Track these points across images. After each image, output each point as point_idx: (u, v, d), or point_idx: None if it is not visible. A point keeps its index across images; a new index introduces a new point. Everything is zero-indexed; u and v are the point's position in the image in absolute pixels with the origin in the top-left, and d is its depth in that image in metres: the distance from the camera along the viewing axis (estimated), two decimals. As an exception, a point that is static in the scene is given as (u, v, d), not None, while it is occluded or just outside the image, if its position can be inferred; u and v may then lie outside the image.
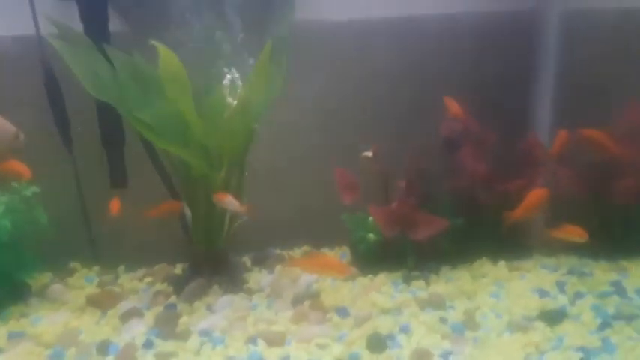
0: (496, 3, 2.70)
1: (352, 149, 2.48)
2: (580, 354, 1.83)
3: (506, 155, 2.49)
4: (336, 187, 2.45)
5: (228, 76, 2.11)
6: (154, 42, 1.92)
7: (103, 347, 1.92)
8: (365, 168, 2.43)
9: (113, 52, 2.15)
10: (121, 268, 2.61)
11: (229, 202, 2.16)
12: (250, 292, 2.33)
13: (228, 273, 2.42)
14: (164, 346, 1.94)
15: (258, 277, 2.48)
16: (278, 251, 2.71)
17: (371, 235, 2.42)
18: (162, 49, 1.94)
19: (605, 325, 1.97)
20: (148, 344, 1.94)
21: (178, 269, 2.57)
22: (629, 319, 2.00)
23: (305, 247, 2.75)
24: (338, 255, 2.66)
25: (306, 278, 2.41)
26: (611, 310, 2.05)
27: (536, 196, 2.26)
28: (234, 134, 2.19)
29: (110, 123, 2.41)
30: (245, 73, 2.24)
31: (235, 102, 2.12)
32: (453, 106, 2.43)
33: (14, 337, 2.02)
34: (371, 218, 2.47)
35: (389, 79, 2.69)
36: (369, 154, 2.44)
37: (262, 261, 2.64)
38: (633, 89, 2.59)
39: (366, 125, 2.64)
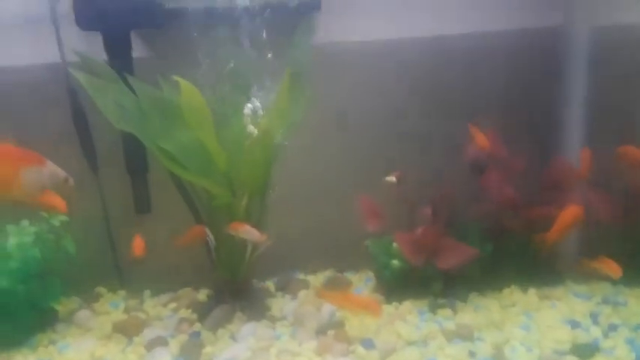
0: (523, 20, 2.65)
1: (376, 173, 2.46)
2: (615, 391, 1.77)
3: (535, 179, 2.43)
4: (360, 213, 2.43)
5: (250, 105, 2.11)
6: (176, 77, 1.93)
7: (128, 379, 1.93)
8: (388, 193, 2.40)
9: (137, 84, 2.17)
10: (147, 292, 2.62)
11: (247, 231, 2.15)
12: (273, 320, 2.32)
13: (251, 299, 2.41)
14: (188, 377, 1.93)
15: (281, 304, 2.46)
16: (302, 276, 2.69)
17: (395, 262, 2.38)
18: (183, 83, 1.95)
19: (640, 360, 1.90)
20: (172, 375, 1.94)
21: (202, 295, 2.57)
22: (665, 354, 1.93)
23: (328, 272, 2.72)
24: (362, 280, 2.63)
25: (329, 306, 2.38)
26: (646, 344, 1.98)
27: (571, 214, 2.17)
28: (255, 163, 2.19)
29: (135, 151, 2.44)
30: (266, 100, 2.24)
31: (256, 131, 2.12)
32: (479, 135, 2.38)
33: (42, 366, 2.05)
34: (395, 244, 2.44)
35: (415, 100, 2.66)
36: (393, 178, 2.41)
37: (285, 286, 2.62)
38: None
39: (391, 149, 2.62)
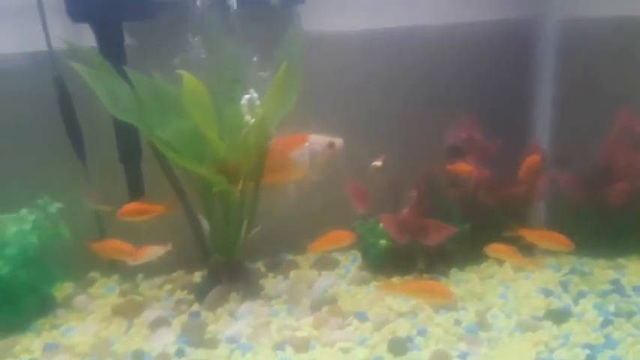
0: (494, 12, 2.82)
1: (361, 158, 2.59)
2: (587, 351, 1.97)
3: (508, 162, 2.62)
4: (347, 197, 2.56)
5: (247, 95, 2.20)
6: (180, 71, 2.00)
7: (138, 357, 2.01)
8: (374, 177, 2.54)
9: (133, 74, 2.22)
10: (139, 276, 2.69)
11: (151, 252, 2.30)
12: (268, 299, 2.43)
13: (245, 280, 2.52)
14: (196, 354, 2.03)
15: (274, 284, 2.58)
16: (290, 257, 2.81)
17: (383, 242, 2.54)
18: (185, 75, 2.03)
19: (607, 322, 2.11)
20: (180, 353, 2.04)
21: (197, 277, 2.66)
22: (628, 315, 2.14)
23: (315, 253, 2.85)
24: (349, 259, 2.78)
25: (320, 284, 2.52)
26: (611, 308, 2.19)
27: (531, 160, 2.46)
28: (251, 150, 2.28)
29: (127, 140, 2.49)
30: (257, 89, 2.33)
31: (252, 120, 2.21)
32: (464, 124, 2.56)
33: (50, 349, 2.10)
34: (381, 225, 2.59)
35: (393, 90, 2.80)
36: (378, 164, 2.55)
37: (276, 267, 2.74)
38: (629, 96, 2.74)
39: (374, 135, 2.75)
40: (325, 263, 2.73)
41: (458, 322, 2.14)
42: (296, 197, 2.52)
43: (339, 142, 2.39)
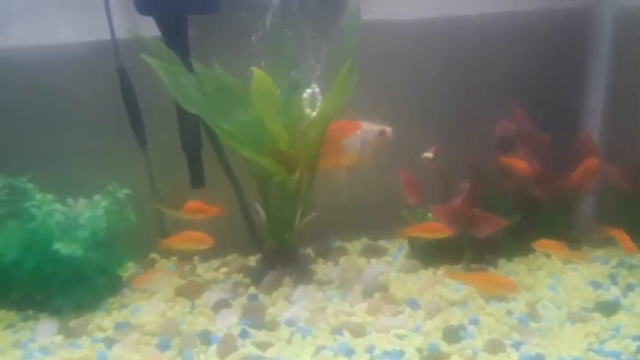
0: (548, 1, 2.80)
1: (412, 148, 2.64)
2: (637, 342, 2.02)
3: (560, 154, 2.64)
4: (395, 185, 2.63)
5: (309, 90, 2.27)
6: (253, 69, 2.08)
7: (205, 337, 2.14)
8: (425, 168, 2.60)
9: (198, 66, 2.31)
10: (196, 259, 2.82)
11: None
12: (321, 284, 2.53)
13: (298, 265, 2.62)
14: (258, 336, 2.15)
15: (325, 269, 2.68)
16: (339, 243, 2.91)
17: (432, 232, 2.61)
18: (255, 71, 2.11)
19: (656, 315, 2.16)
20: (244, 334, 2.15)
21: (251, 261, 2.77)
22: (677, 309, 2.18)
23: (364, 240, 2.95)
24: (396, 247, 2.86)
25: (370, 270, 2.61)
26: (660, 301, 2.24)
27: (590, 162, 2.48)
28: (310, 142, 2.36)
29: (189, 129, 2.59)
30: (313, 81, 2.40)
31: (313, 113, 2.29)
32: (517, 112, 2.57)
33: (121, 327, 2.24)
34: (430, 215, 2.65)
35: (444, 79, 2.83)
36: (430, 154, 2.60)
37: (325, 253, 2.84)
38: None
39: (425, 125, 2.80)
40: (373, 251, 2.82)
41: (509, 313, 2.21)
42: (347, 183, 2.60)
43: (389, 130, 2.46)
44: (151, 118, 2.62)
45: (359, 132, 2.44)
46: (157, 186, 2.63)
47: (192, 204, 2.48)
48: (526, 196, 2.59)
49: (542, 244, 2.38)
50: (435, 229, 2.39)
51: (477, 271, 2.48)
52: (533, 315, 2.19)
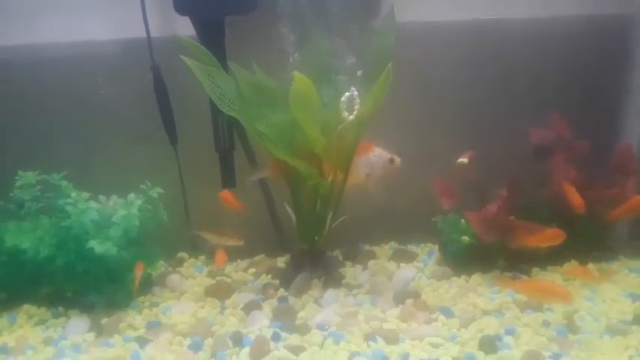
0: (587, 6, 2.75)
1: (446, 153, 2.60)
2: (679, 358, 1.97)
3: (598, 163, 2.59)
4: (427, 190, 2.60)
5: (347, 93, 2.25)
6: (295, 72, 2.07)
7: (237, 339, 2.12)
8: (459, 174, 2.56)
9: (236, 68, 2.30)
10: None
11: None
12: (350, 288, 2.51)
13: (326, 268, 2.60)
14: (291, 339, 2.13)
15: (354, 273, 2.65)
16: (367, 247, 2.88)
17: (465, 238, 2.56)
18: (296, 74, 2.09)
19: (697, 329, 2.10)
20: (276, 337, 2.13)
21: (279, 262, 2.76)
22: None
23: (392, 244, 2.92)
24: (425, 253, 2.82)
25: (401, 276, 2.58)
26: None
27: (636, 202, 2.40)
28: (345, 145, 2.34)
29: (223, 130, 2.59)
30: (352, 84, 2.37)
31: (350, 117, 2.27)
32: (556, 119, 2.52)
33: (153, 326, 2.24)
34: (463, 220, 2.61)
35: (479, 83, 2.78)
36: (465, 160, 2.56)
37: (354, 256, 2.81)
38: None
39: (461, 130, 2.75)
40: (403, 255, 2.79)
41: (546, 324, 2.16)
42: (376, 187, 2.56)
43: (398, 160, 2.45)
44: (182, 117, 2.62)
45: (370, 155, 2.43)
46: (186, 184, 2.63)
47: (225, 193, 2.49)
48: (563, 205, 2.54)
49: (571, 271, 2.39)
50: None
51: (530, 280, 2.44)
52: (571, 326, 2.15)
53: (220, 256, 2.47)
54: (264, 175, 2.58)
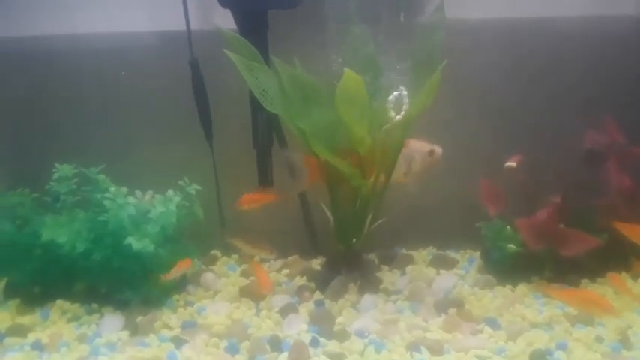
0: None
1: (492, 157, 2.51)
2: None
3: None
4: (471, 194, 2.50)
5: (396, 92, 2.16)
6: (346, 69, 1.99)
7: (275, 343, 2.06)
8: (508, 178, 2.46)
9: (279, 64, 2.23)
10: (256, 258, 2.75)
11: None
12: (388, 293, 2.42)
13: (362, 271, 2.52)
14: (329, 345, 2.05)
15: (391, 277, 2.57)
16: (404, 251, 2.79)
17: (512, 246, 2.46)
18: (347, 71, 2.01)
19: None
20: (315, 342, 2.06)
21: (314, 264, 2.69)
22: None
23: (430, 248, 2.82)
24: (466, 259, 2.73)
25: (441, 283, 2.48)
26: None
27: None
28: (390, 146, 2.26)
29: (261, 128, 2.52)
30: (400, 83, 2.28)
31: (397, 117, 2.18)
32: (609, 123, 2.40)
33: (188, 326, 2.18)
34: (508, 227, 2.51)
35: (528, 84, 2.68)
36: (513, 164, 2.46)
37: (391, 260, 2.72)
38: None
39: (509, 133, 2.65)
40: (443, 261, 2.69)
41: (599, 339, 2.06)
42: (416, 189, 2.47)
43: (438, 150, 2.32)
44: (218, 112, 2.56)
45: (407, 151, 2.30)
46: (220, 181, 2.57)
47: (246, 196, 2.42)
48: (615, 215, 2.42)
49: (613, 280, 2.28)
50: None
51: (577, 289, 2.34)
52: (625, 343, 2.04)
53: (265, 280, 2.36)
54: (304, 188, 2.48)
